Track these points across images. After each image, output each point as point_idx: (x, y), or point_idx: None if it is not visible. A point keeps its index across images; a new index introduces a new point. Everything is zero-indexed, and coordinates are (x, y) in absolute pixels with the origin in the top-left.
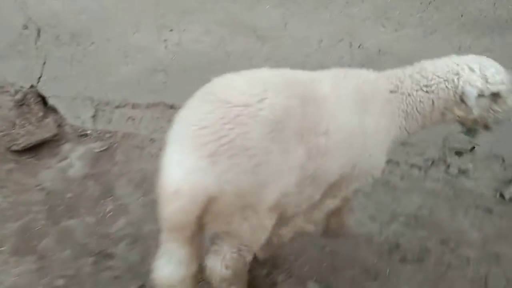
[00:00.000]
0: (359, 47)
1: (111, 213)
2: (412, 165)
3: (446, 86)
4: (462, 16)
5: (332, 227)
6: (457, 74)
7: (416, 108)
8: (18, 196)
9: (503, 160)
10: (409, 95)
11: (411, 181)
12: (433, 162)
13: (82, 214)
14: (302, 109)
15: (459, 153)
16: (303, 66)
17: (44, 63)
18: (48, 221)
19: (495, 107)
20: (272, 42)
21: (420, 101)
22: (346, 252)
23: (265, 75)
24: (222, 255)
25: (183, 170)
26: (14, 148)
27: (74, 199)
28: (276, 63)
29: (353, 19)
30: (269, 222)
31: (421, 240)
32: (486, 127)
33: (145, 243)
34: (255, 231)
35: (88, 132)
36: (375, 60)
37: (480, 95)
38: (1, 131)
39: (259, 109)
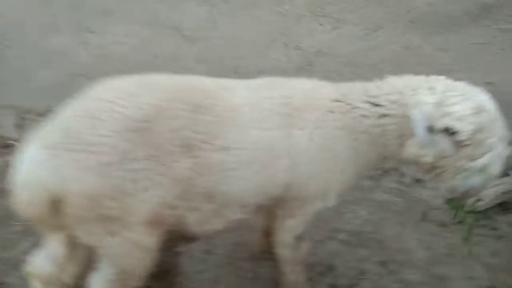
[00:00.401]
0: (295, 48)
1: (16, 235)
2: None
3: (396, 102)
4: (409, 11)
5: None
6: (414, 90)
7: (362, 125)
8: None
9: None
10: (354, 107)
11: (359, 192)
12: (385, 171)
13: None
14: (192, 117)
15: None
16: (237, 69)
17: None
18: None
19: (459, 158)
20: (201, 43)
21: (366, 116)
22: (270, 277)
23: (159, 79)
24: (107, 276)
25: (26, 162)
26: None
27: None
28: (208, 66)
29: (286, 17)
30: (148, 240)
31: (359, 261)
32: (456, 189)
33: None
34: (130, 250)
35: (13, 142)
36: (314, 62)
37: (432, 128)
38: None
39: (121, 105)
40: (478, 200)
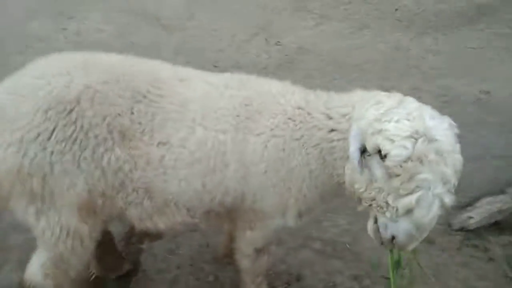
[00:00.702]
0: (276, 43)
1: None
2: None
3: (346, 115)
4: (396, 10)
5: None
6: (364, 104)
7: (314, 138)
8: None
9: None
10: (312, 117)
11: (340, 200)
12: None
13: None
14: (131, 105)
15: None
16: (216, 62)
17: None
18: None
19: (388, 191)
20: (180, 34)
21: (318, 127)
22: (231, 282)
23: (106, 59)
24: (42, 261)
25: None
26: None
27: None
28: (186, 57)
29: (267, 11)
30: (79, 226)
31: (330, 274)
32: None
33: (7, 255)
34: (60, 235)
35: None
36: (295, 59)
37: (364, 149)
38: None
39: (50, 84)
40: (469, 217)
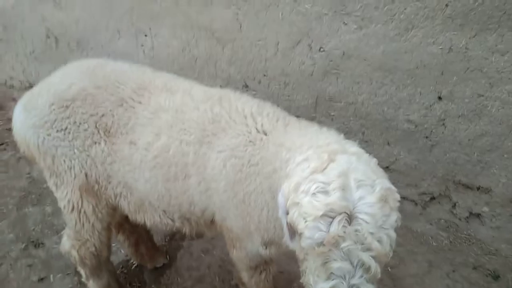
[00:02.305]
0: (320, 49)
1: None
2: (404, 199)
3: (288, 161)
4: (446, 5)
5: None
6: (295, 152)
7: (265, 170)
8: (10, 181)
9: None
10: (268, 144)
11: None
12: (434, 197)
13: (46, 203)
14: (114, 108)
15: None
16: (264, 71)
17: None
18: (15, 206)
19: (307, 269)
20: (231, 45)
21: (269, 161)
22: None
23: (112, 67)
24: (68, 231)
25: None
26: None
27: (48, 189)
28: (238, 68)
29: (307, 17)
30: (83, 205)
31: None
32: None
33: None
34: (70, 208)
35: None
36: (340, 65)
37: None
38: None
39: (60, 82)
40: None
